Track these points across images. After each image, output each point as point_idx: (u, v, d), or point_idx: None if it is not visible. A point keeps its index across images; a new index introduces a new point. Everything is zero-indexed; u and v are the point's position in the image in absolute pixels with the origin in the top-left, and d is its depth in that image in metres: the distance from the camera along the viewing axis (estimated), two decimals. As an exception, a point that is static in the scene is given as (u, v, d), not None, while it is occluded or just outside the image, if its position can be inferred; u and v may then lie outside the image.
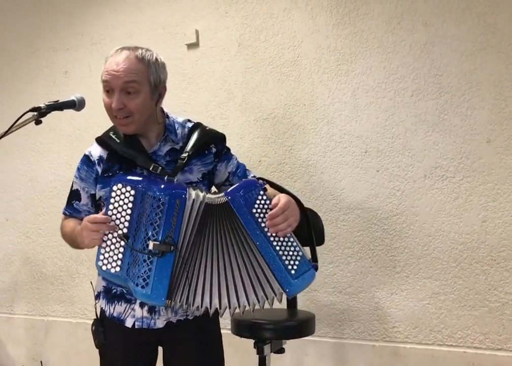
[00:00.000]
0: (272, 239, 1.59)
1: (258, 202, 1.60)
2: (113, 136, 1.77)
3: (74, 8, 3.58)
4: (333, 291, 2.81)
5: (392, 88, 2.70)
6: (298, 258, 1.60)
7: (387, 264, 2.69)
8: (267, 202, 1.61)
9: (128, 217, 1.58)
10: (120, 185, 1.59)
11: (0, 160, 3.79)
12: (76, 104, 1.78)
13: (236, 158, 1.90)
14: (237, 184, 1.66)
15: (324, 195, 2.83)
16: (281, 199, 1.60)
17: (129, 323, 1.73)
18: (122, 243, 1.58)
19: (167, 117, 1.83)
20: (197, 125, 1.84)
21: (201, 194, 1.60)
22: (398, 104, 2.69)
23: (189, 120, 1.86)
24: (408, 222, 2.65)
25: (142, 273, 1.55)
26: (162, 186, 1.60)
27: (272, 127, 2.97)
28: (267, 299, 1.61)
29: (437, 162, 2.61)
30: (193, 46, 3.19)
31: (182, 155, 1.73)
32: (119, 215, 1.59)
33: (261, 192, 1.61)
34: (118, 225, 1.58)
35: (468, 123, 2.55)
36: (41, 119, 1.72)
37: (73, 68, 3.58)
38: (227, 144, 1.93)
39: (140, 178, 1.62)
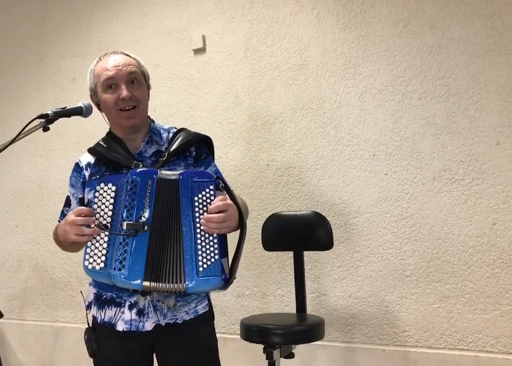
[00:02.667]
0: (198, 231, 1.60)
1: (204, 193, 1.62)
2: (102, 143, 1.86)
3: (82, 15, 3.61)
4: (342, 295, 2.79)
5: (400, 91, 2.69)
6: (213, 260, 1.59)
7: (397, 268, 2.68)
8: (212, 197, 1.62)
9: (110, 213, 1.64)
10: (102, 184, 1.66)
11: (9, 166, 3.81)
12: (84, 111, 1.81)
13: (215, 167, 1.91)
14: (196, 170, 1.72)
15: (333, 199, 2.82)
16: (225, 201, 1.63)
17: (120, 327, 1.74)
18: (106, 238, 1.62)
19: (153, 121, 1.92)
20: (182, 129, 1.92)
21: (172, 173, 1.66)
22: (406, 107, 2.68)
23: (174, 127, 1.94)
24: (417, 225, 2.64)
25: (119, 256, 1.60)
26: (137, 171, 1.66)
27: (279, 131, 2.97)
28: (171, 286, 1.60)
29: (446, 165, 2.60)
30: (200, 51, 3.19)
31: (162, 154, 1.80)
32: (102, 213, 1.64)
33: (211, 187, 1.63)
34: (101, 221, 1.63)
35: (477, 126, 2.54)
36: (49, 125, 1.74)
37: (81, 75, 3.60)
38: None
39: (122, 176, 1.68)
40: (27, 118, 1.65)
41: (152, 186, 1.63)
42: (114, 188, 1.65)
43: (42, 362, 3.65)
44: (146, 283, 1.60)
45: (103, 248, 1.62)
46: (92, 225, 1.62)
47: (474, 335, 2.52)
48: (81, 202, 1.85)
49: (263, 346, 2.34)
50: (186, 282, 1.59)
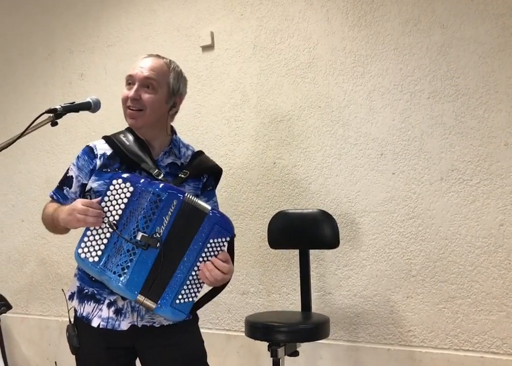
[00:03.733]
0: (195, 269, 1.67)
1: (218, 240, 1.69)
2: (123, 139, 1.84)
3: (90, 11, 3.61)
4: (348, 294, 2.79)
5: (408, 90, 2.68)
6: (190, 300, 1.67)
7: (403, 267, 2.67)
8: (222, 248, 1.70)
9: (120, 211, 1.62)
10: (120, 180, 1.63)
11: (16, 161, 3.82)
12: (92, 106, 1.81)
13: (215, 202, 1.95)
14: (224, 216, 1.72)
15: (339, 198, 2.82)
16: (230, 263, 1.72)
17: (95, 323, 1.74)
18: (108, 234, 1.61)
19: (175, 133, 1.93)
20: (202, 152, 1.97)
21: (199, 202, 1.68)
22: (415, 106, 2.67)
23: (192, 146, 1.99)
24: (424, 225, 2.63)
25: (122, 262, 1.60)
26: (162, 185, 1.66)
27: (286, 129, 2.96)
28: (145, 300, 1.64)
29: (454, 165, 2.59)
30: (208, 48, 3.19)
31: (184, 170, 1.82)
32: (111, 208, 1.62)
33: (227, 239, 1.70)
34: (108, 217, 1.62)
35: (485, 126, 2.53)
36: (57, 120, 1.74)
37: (89, 70, 3.61)
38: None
39: (142, 179, 1.67)
40: (34, 113, 1.65)
41: (176, 207, 1.63)
42: (131, 189, 1.63)
43: (46, 357, 3.66)
44: (140, 297, 1.62)
45: (102, 243, 1.61)
46: (106, 221, 1.61)
47: (479, 336, 2.51)
48: (82, 187, 1.82)
49: (267, 344, 2.34)
50: (158, 304, 1.63)
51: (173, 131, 1.93)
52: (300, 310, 2.63)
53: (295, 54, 2.95)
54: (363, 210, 2.76)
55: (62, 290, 1.88)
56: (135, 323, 1.74)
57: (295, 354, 2.46)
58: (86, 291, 1.77)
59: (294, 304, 2.89)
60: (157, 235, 1.61)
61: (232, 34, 3.13)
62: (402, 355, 2.66)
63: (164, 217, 1.62)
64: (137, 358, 1.88)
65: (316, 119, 2.89)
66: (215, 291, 1.77)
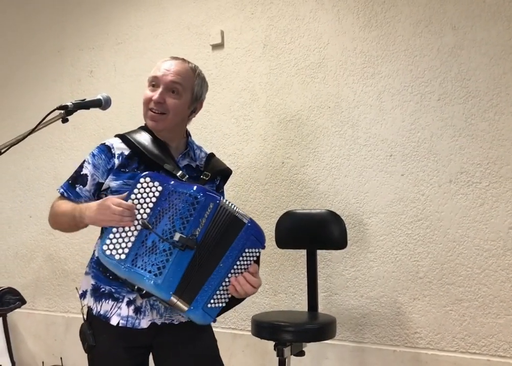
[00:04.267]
0: (229, 276, 1.69)
1: (252, 250, 1.72)
2: (140, 139, 1.81)
3: (100, 8, 3.61)
4: (354, 295, 2.79)
5: (418, 92, 2.68)
6: (220, 305, 1.70)
7: (410, 269, 2.66)
8: (254, 258, 1.73)
9: (148, 210, 1.60)
10: (148, 179, 1.62)
11: (24, 157, 3.83)
12: (103, 104, 1.81)
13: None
14: (260, 228, 1.75)
15: (348, 198, 2.82)
16: (259, 277, 1.75)
17: (114, 321, 1.73)
18: (135, 232, 1.59)
19: (190, 135, 1.94)
20: (214, 154, 2.00)
21: (232, 206, 1.70)
22: (425, 108, 2.66)
23: (204, 148, 2.02)
24: (432, 227, 2.63)
25: (159, 262, 1.59)
26: (196, 187, 1.66)
27: (295, 129, 2.96)
28: (178, 302, 1.64)
29: (463, 167, 2.58)
30: (218, 46, 3.19)
31: (205, 172, 1.85)
32: (138, 206, 1.60)
33: (260, 250, 1.74)
34: (135, 215, 1.60)
35: (496, 128, 2.52)
36: (68, 117, 1.73)
37: (98, 67, 3.61)
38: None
39: (171, 180, 1.66)
40: (44, 110, 1.65)
41: (212, 210, 1.64)
42: (160, 188, 1.62)
43: (52, 352, 3.68)
44: (174, 298, 1.61)
45: (130, 241, 1.59)
46: (136, 223, 1.59)
47: (486, 339, 2.51)
48: (97, 185, 1.78)
49: (273, 343, 2.34)
50: (191, 307, 1.64)
51: (188, 134, 1.94)
52: (306, 310, 2.63)
53: (305, 53, 2.95)
54: (372, 211, 2.76)
55: (76, 288, 1.87)
56: (155, 321, 1.75)
57: (301, 353, 2.46)
58: (103, 289, 1.76)
59: (300, 304, 2.89)
60: (194, 236, 1.61)
61: (242, 33, 3.12)
62: (407, 356, 2.65)
63: (200, 219, 1.62)
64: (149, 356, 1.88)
65: (326, 119, 2.88)
66: (237, 301, 1.76)
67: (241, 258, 1.70)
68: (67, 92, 3.69)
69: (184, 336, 1.80)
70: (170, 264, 1.59)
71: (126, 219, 1.57)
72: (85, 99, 1.79)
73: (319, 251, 2.68)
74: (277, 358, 2.36)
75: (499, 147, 2.51)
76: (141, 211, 1.60)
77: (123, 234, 1.59)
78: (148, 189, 1.61)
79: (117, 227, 1.59)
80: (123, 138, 1.83)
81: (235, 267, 1.69)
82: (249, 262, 1.71)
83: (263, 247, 1.75)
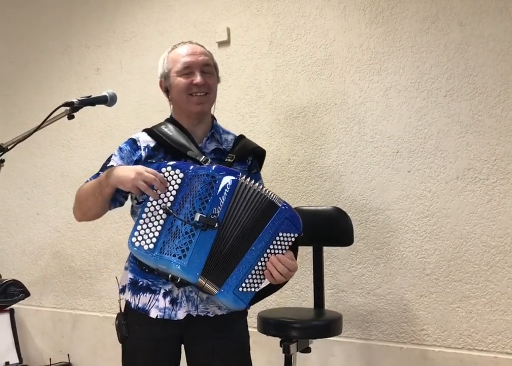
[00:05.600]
0: (262, 259, 1.66)
1: (287, 234, 1.68)
2: (165, 129, 1.85)
3: (106, 6, 3.62)
4: (361, 292, 2.78)
5: (425, 88, 2.67)
6: (252, 290, 1.66)
7: (417, 266, 2.66)
8: (289, 244, 1.69)
9: (172, 198, 1.63)
10: (169, 168, 1.65)
11: (31, 155, 3.85)
12: (108, 100, 1.82)
13: (261, 183, 1.92)
14: (296, 212, 1.72)
15: (354, 195, 2.81)
16: (295, 261, 1.72)
17: (153, 314, 1.75)
18: (161, 221, 1.61)
19: (214, 118, 1.96)
20: (243, 136, 1.99)
21: (256, 184, 1.68)
22: (432, 104, 2.65)
23: (240, 135, 2.00)
24: (439, 224, 2.62)
25: (182, 245, 1.60)
26: (214, 167, 1.67)
27: (302, 126, 2.96)
28: (208, 284, 1.63)
29: (470, 164, 2.57)
30: (224, 43, 3.19)
31: (230, 154, 1.84)
32: (162, 195, 1.63)
33: (295, 235, 1.70)
34: (160, 204, 1.62)
35: (503, 125, 2.50)
36: (74, 114, 1.74)
37: (105, 65, 3.62)
38: (256, 141, 2.03)
39: (191, 165, 1.68)
40: (50, 107, 1.66)
41: (232, 188, 1.63)
42: (181, 175, 1.64)
43: (59, 349, 3.69)
44: (202, 280, 1.61)
45: (156, 230, 1.61)
46: (158, 208, 1.62)
47: (493, 336, 2.50)
48: None
49: (280, 339, 2.35)
50: (222, 290, 1.62)
51: (213, 117, 1.96)
52: (313, 307, 2.63)
53: (311, 50, 2.95)
54: (378, 208, 2.75)
55: (116, 277, 1.89)
56: (191, 312, 1.75)
57: (307, 350, 2.46)
58: (141, 282, 1.78)
59: (306, 301, 2.89)
60: (214, 216, 1.61)
61: (248, 30, 3.12)
62: (414, 353, 2.65)
63: (220, 198, 1.62)
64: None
65: (332, 116, 2.88)
66: (275, 287, 1.74)
67: (274, 242, 1.66)
68: (74, 90, 3.70)
69: (219, 329, 1.79)
70: (193, 245, 1.60)
71: (152, 190, 1.60)
72: (90, 95, 1.79)
73: (325, 248, 2.68)
74: (283, 354, 2.36)
75: (506, 143, 2.50)
76: (166, 199, 1.62)
77: (150, 224, 1.62)
78: (170, 178, 1.64)
79: (143, 219, 1.61)
80: (148, 130, 1.88)
81: (268, 251, 1.66)
82: (283, 247, 1.68)
83: (300, 233, 1.71)
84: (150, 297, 1.76)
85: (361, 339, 2.78)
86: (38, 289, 3.78)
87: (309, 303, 2.81)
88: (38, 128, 1.68)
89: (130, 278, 1.81)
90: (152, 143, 1.84)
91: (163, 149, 1.82)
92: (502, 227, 2.49)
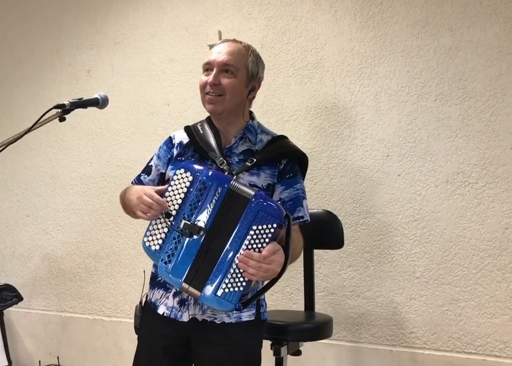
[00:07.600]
0: (237, 256, 1.58)
1: (263, 226, 1.57)
2: (199, 127, 1.85)
3: (98, 7, 3.61)
4: (351, 295, 2.80)
5: (415, 92, 2.69)
6: (236, 289, 1.58)
7: (407, 269, 2.68)
8: (269, 235, 1.57)
9: (179, 201, 1.64)
10: (182, 170, 1.66)
11: (21, 157, 3.82)
12: (100, 102, 1.82)
13: (299, 189, 1.83)
14: (272, 200, 1.63)
15: (344, 198, 2.82)
16: (275, 254, 1.56)
17: (161, 310, 1.78)
18: (169, 223, 1.64)
19: (253, 119, 1.89)
20: (282, 137, 1.89)
21: (245, 188, 1.62)
22: (422, 108, 2.67)
23: (279, 135, 1.89)
24: (429, 227, 2.64)
25: (169, 250, 1.63)
26: (210, 172, 1.65)
27: (293, 129, 2.97)
28: (190, 288, 1.62)
29: (459, 168, 2.59)
30: (215, 46, 3.19)
31: (250, 158, 1.76)
32: (173, 197, 1.65)
33: (274, 225, 1.56)
34: (169, 206, 1.64)
35: (492, 129, 2.53)
36: (65, 116, 1.74)
37: (96, 67, 3.61)
38: (295, 153, 1.87)
39: (202, 168, 1.66)
40: (41, 109, 1.66)
41: (221, 194, 1.61)
42: (190, 178, 1.64)
43: (49, 352, 3.67)
44: (185, 285, 1.62)
45: (163, 232, 1.65)
46: (164, 211, 1.64)
47: (482, 339, 2.52)
48: (161, 176, 1.87)
49: (270, 342, 2.35)
50: (202, 293, 1.61)
51: (251, 117, 1.89)
52: (303, 310, 2.63)
53: (302, 54, 2.96)
54: (368, 211, 2.77)
55: (144, 271, 1.92)
56: (196, 316, 1.75)
57: (297, 353, 2.46)
58: (159, 278, 1.80)
59: (297, 304, 2.90)
60: (201, 223, 1.61)
61: (240, 33, 3.13)
62: (404, 356, 2.66)
63: (208, 205, 1.61)
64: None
65: (323, 119, 2.89)
66: (268, 284, 1.67)
67: (249, 237, 1.57)
68: (65, 92, 3.68)
69: (224, 337, 1.75)
70: (179, 251, 1.62)
71: (152, 212, 1.63)
72: (82, 98, 1.79)
73: (316, 251, 2.68)
74: (274, 357, 2.36)
75: (495, 148, 2.52)
76: (174, 201, 1.64)
77: (159, 226, 1.65)
78: (181, 180, 1.65)
79: (155, 220, 1.65)
80: (186, 127, 1.89)
81: (244, 247, 1.57)
82: (262, 240, 1.56)
83: (281, 221, 1.56)
84: (162, 294, 1.80)
85: (351, 342, 2.79)
86: (28, 291, 3.75)
87: (300, 305, 2.81)
88: (29, 130, 1.67)
89: (152, 272, 1.86)
90: (185, 140, 1.86)
91: (193, 147, 1.82)
92: (490, 231, 2.51)
